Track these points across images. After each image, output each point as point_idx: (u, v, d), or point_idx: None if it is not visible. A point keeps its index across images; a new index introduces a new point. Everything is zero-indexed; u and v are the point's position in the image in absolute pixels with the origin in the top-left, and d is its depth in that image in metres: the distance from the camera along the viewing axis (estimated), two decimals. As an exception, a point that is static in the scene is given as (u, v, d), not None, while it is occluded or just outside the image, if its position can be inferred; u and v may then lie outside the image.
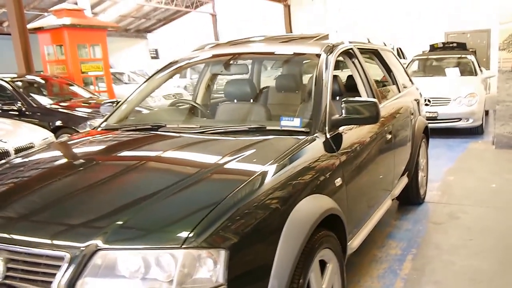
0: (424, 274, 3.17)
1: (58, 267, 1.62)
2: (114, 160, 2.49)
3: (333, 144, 2.54)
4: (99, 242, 1.63)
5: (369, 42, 4.04)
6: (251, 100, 3.33)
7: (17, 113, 6.82)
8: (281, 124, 2.59)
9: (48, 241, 1.70)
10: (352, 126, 2.83)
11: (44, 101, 7.19)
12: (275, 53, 3.39)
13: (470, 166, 6.14)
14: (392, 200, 3.72)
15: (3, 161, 2.71)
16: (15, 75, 7.81)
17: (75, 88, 8.22)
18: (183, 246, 1.59)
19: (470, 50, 10.68)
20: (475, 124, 7.96)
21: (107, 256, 1.62)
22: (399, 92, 4.23)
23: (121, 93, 10.80)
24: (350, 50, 3.37)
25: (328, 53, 2.97)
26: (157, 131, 2.77)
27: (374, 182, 3.21)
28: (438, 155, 6.49)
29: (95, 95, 8.44)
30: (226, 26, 19.99)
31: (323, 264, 2.17)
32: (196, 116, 3.46)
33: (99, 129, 3.08)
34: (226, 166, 2.13)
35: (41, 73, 9.26)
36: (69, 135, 3.34)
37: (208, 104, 3.56)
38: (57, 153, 2.77)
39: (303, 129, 2.53)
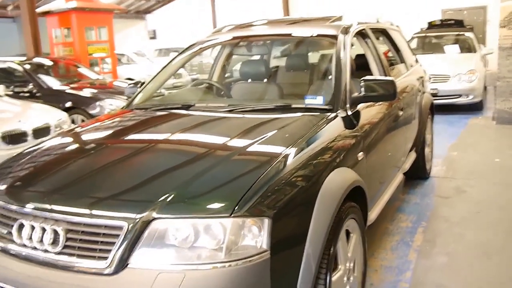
0: (435, 246, 3.30)
1: (116, 236, 1.72)
2: (157, 138, 2.58)
3: (354, 120, 2.66)
4: (153, 213, 1.72)
5: (378, 22, 4.11)
6: (269, 80, 3.43)
7: (28, 95, 6.87)
8: (305, 102, 2.70)
9: (107, 213, 1.79)
10: (368, 103, 2.93)
11: (54, 83, 7.23)
12: (294, 35, 3.47)
13: (472, 142, 6.27)
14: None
15: (46, 138, 2.81)
16: (24, 58, 7.84)
17: (83, 70, 8.25)
18: (232, 215, 1.69)
19: (468, 27, 10.75)
20: (475, 100, 8.08)
21: (161, 225, 1.71)
22: (407, 70, 4.32)
23: (121, 74, 10.84)
24: (363, 31, 3.46)
25: (345, 34, 3.07)
26: (187, 110, 2.88)
27: (389, 156, 3.33)
28: (440, 131, 6.60)
29: (102, 76, 8.50)
30: (225, 7, 19.83)
31: (347, 234, 2.29)
32: (218, 95, 3.54)
33: (128, 108, 3.17)
34: (262, 141, 2.22)
35: (48, 55, 9.30)
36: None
37: (228, 84, 3.64)
38: (99, 130, 2.85)
39: (326, 107, 2.64)
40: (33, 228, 1.88)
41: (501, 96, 7.08)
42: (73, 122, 6.33)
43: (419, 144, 4.30)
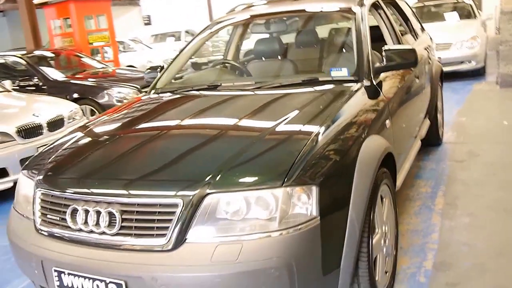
0: (457, 208, 3.41)
1: (172, 213, 1.80)
2: (195, 118, 2.63)
3: (379, 89, 2.73)
4: (206, 189, 1.80)
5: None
6: (288, 56, 3.49)
7: (34, 88, 6.88)
8: (331, 74, 2.77)
9: (162, 192, 1.87)
10: (388, 73, 3.00)
11: (59, 74, 7.23)
12: (312, 10, 3.51)
13: (479, 107, 6.36)
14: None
15: (89, 122, 2.89)
16: (23, 52, 7.83)
17: (86, 60, 8.25)
18: (282, 185, 1.78)
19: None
20: (478, 66, 8.14)
21: (214, 200, 1.79)
22: (416, 39, 4.38)
23: (121, 62, 10.81)
24: (377, 2, 3.51)
25: (361, 6, 3.12)
26: (215, 90, 2.94)
27: (409, 123, 3.42)
28: (446, 98, 6.58)
29: (106, 65, 8.50)
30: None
31: (381, 199, 2.38)
32: (240, 74, 3.58)
33: (153, 92, 3.23)
34: (299, 114, 2.31)
35: (45, 48, 9.29)
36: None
37: (246, 62, 3.68)
38: (135, 114, 2.91)
39: (352, 78, 2.71)
40: (87, 212, 1.96)
41: (504, 60, 7.13)
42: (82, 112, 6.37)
43: (432, 111, 4.38)
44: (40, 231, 2.11)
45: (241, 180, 1.87)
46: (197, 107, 2.83)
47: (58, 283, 1.99)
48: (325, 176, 1.90)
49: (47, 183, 2.17)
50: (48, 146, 2.63)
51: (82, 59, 8.16)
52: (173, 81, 3.42)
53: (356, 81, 2.69)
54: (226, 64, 3.73)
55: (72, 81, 7.08)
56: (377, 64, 2.82)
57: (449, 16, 9.32)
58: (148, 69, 3.71)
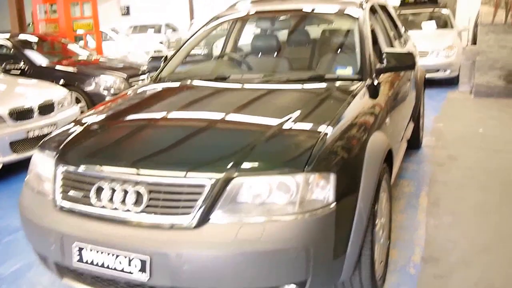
0: (440, 207, 3.62)
1: (198, 194, 1.89)
2: (215, 106, 2.72)
3: (379, 88, 2.89)
4: (233, 172, 1.90)
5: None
6: (289, 53, 3.62)
7: (19, 73, 6.78)
8: (336, 72, 2.93)
9: (190, 173, 1.94)
10: (385, 74, 3.16)
11: (45, 60, 7.13)
12: (315, 11, 3.64)
13: (455, 114, 6.66)
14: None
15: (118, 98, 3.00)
16: (9, 35, 7.67)
17: (73, 47, 8.14)
18: (303, 171, 1.90)
19: (440, 4, 11.12)
20: (452, 75, 8.48)
21: (239, 183, 1.90)
22: (404, 44, 4.59)
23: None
24: (373, 6, 3.68)
25: (363, 9, 3.28)
26: (223, 82, 3.05)
27: (401, 123, 3.60)
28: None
29: (92, 53, 8.42)
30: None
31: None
32: (245, 68, 3.62)
33: (159, 80, 3.31)
34: (312, 108, 2.45)
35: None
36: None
37: (247, 57, 3.78)
38: (154, 98, 3.02)
39: (356, 76, 2.87)
40: (113, 190, 2.03)
41: (480, 70, 7.48)
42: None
43: (415, 114, 4.59)
44: (60, 208, 2.16)
45: (264, 165, 1.98)
46: (212, 96, 2.92)
47: (78, 258, 2.05)
48: (340, 165, 2.03)
49: (71, 160, 2.22)
50: (64, 126, 2.66)
51: (68, 46, 8.07)
52: (176, 70, 3.49)
53: (359, 80, 2.83)
54: (229, 57, 3.80)
55: (58, 68, 7.00)
56: (378, 65, 2.98)
57: (426, 25, 9.65)
58: (151, 57, 3.76)
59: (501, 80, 7.43)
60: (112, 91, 6.79)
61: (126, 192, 2.00)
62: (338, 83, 2.84)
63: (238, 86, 3.00)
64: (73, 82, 6.56)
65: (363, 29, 3.10)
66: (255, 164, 1.98)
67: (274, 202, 1.92)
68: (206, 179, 1.91)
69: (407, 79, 3.85)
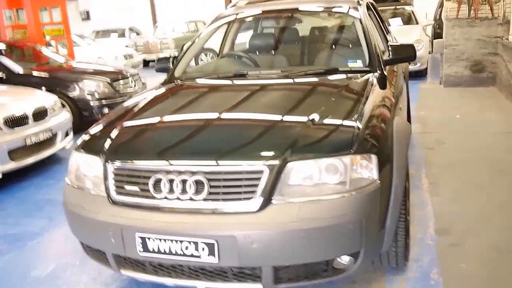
0: (440, 186, 3.90)
1: (258, 179, 2.04)
2: (251, 100, 2.85)
3: (388, 79, 3.11)
4: (287, 157, 2.06)
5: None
6: (297, 49, 3.82)
7: (-3, 82, 6.62)
8: (349, 65, 3.14)
9: (248, 161, 2.09)
10: (388, 66, 3.40)
11: (23, 67, 7.00)
12: (317, 9, 3.83)
13: (432, 103, 7.05)
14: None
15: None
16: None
17: (48, 52, 7.99)
18: (349, 153, 2.09)
19: (402, 1, 11.60)
20: (422, 67, 8.93)
21: (294, 166, 2.06)
22: (392, 39, 4.88)
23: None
24: (367, 3, 3.93)
25: (361, 6, 3.54)
26: (243, 78, 3.19)
27: (405, 109, 3.84)
28: (400, 96, 7.34)
29: (68, 58, 8.30)
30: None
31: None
32: (255, 64, 3.73)
33: (177, 80, 3.40)
34: (341, 97, 2.65)
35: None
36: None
37: (254, 54, 3.91)
38: (185, 94, 3.15)
39: (367, 68, 3.08)
40: (171, 181, 2.14)
41: (448, 62, 7.93)
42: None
43: (406, 103, 4.88)
44: (116, 202, 2.25)
45: (314, 150, 2.15)
46: (241, 92, 3.02)
47: (141, 248, 2.15)
48: (378, 147, 2.23)
49: (121, 157, 2.31)
50: (96, 127, 2.73)
51: (44, 52, 7.93)
52: (191, 70, 3.61)
53: (370, 72, 3.04)
54: (243, 55, 3.90)
55: (37, 74, 6.89)
56: (385, 57, 3.21)
57: (393, 22, 10.07)
58: (159, 59, 3.85)
59: (467, 70, 7.91)
60: (96, 95, 6.77)
61: (184, 182, 2.12)
62: (352, 75, 3.03)
63: (264, 81, 3.14)
64: (55, 88, 6.47)
65: (366, 25, 3.33)
66: (306, 149, 2.15)
67: (326, 182, 2.09)
68: (264, 165, 2.06)
69: (402, 70, 4.11)
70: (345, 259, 2.15)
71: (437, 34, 11.28)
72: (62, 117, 5.41)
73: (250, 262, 2.08)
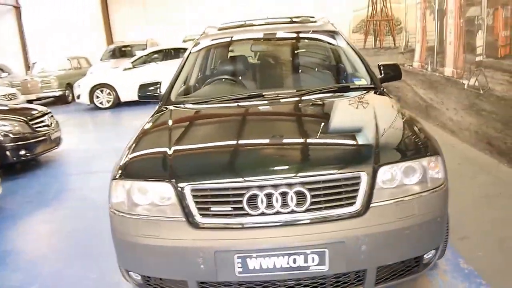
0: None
1: (357, 184, 2.12)
2: (306, 113, 3.04)
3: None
4: (376, 164, 2.18)
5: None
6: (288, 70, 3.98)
7: None
8: (355, 83, 3.41)
9: (346, 169, 2.16)
10: None
11: None
12: (302, 35, 4.07)
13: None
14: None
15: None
16: None
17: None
18: (427, 155, 2.28)
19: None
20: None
21: (384, 171, 2.19)
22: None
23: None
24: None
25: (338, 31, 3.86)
26: (260, 99, 3.22)
27: None
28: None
29: None
30: (34, 19, 18.38)
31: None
32: (251, 87, 3.68)
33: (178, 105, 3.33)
34: (379, 109, 2.78)
35: None
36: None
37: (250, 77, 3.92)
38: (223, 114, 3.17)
39: (372, 85, 3.35)
40: (268, 196, 2.10)
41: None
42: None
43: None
44: (201, 225, 2.13)
45: (397, 156, 2.31)
46: (282, 109, 3.13)
47: (240, 269, 2.07)
48: (439, 148, 2.45)
49: (206, 178, 2.21)
50: (131, 153, 2.54)
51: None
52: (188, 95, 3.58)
53: (375, 88, 3.31)
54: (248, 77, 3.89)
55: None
56: (379, 76, 3.52)
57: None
58: (141, 85, 3.62)
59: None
60: (11, 136, 6.09)
61: (284, 195, 2.11)
62: (364, 91, 3.24)
63: (288, 99, 3.18)
64: None
65: (354, 47, 3.66)
66: (390, 155, 2.30)
67: (408, 183, 2.25)
68: (360, 172, 2.16)
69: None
70: (431, 253, 2.31)
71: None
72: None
73: (357, 266, 2.13)
